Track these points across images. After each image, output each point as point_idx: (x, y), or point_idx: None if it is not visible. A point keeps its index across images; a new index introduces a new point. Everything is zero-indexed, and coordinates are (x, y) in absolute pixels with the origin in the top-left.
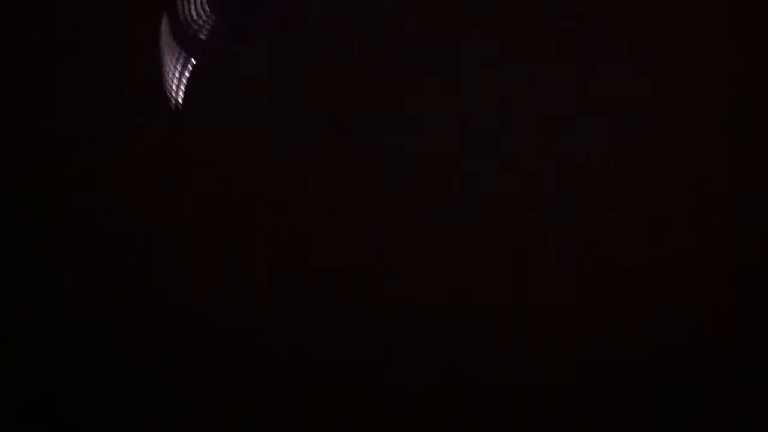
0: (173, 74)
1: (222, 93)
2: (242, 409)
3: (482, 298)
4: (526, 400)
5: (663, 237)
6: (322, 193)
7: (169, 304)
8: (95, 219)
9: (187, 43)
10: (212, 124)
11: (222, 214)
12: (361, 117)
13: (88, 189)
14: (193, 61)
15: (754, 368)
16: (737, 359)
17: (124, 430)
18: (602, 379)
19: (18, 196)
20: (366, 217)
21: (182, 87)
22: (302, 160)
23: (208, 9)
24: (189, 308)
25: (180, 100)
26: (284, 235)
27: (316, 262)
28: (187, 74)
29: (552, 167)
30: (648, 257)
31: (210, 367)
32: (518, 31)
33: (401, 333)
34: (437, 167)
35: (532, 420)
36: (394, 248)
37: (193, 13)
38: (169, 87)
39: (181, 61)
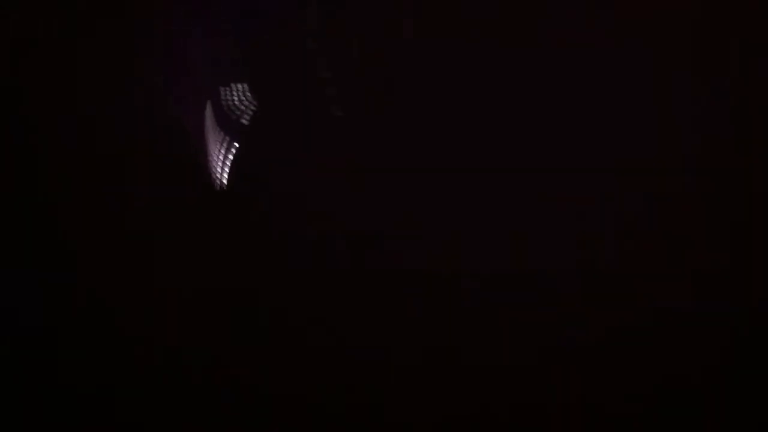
0: (218, 157)
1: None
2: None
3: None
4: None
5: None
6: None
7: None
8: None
9: (230, 128)
10: None
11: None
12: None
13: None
14: (236, 144)
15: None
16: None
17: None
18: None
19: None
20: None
21: (227, 169)
22: None
23: (250, 96)
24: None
25: (225, 182)
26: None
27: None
28: (231, 157)
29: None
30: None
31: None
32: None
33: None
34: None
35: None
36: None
37: (236, 100)
38: (214, 169)
39: (225, 145)
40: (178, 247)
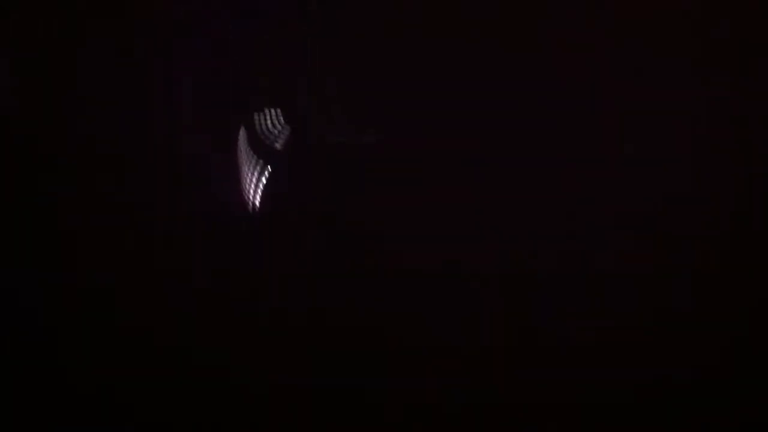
0: (250, 182)
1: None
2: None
3: None
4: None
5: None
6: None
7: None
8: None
9: (263, 152)
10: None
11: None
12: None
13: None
14: (270, 168)
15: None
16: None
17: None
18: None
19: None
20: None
21: (259, 193)
22: None
23: (282, 121)
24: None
25: (257, 205)
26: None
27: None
28: (264, 181)
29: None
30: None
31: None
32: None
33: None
34: None
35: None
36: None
37: (269, 124)
38: (246, 193)
39: (258, 168)
40: (177, 247)
